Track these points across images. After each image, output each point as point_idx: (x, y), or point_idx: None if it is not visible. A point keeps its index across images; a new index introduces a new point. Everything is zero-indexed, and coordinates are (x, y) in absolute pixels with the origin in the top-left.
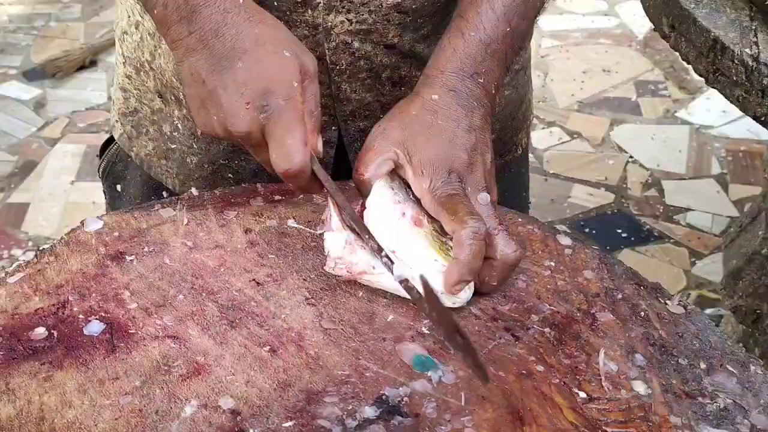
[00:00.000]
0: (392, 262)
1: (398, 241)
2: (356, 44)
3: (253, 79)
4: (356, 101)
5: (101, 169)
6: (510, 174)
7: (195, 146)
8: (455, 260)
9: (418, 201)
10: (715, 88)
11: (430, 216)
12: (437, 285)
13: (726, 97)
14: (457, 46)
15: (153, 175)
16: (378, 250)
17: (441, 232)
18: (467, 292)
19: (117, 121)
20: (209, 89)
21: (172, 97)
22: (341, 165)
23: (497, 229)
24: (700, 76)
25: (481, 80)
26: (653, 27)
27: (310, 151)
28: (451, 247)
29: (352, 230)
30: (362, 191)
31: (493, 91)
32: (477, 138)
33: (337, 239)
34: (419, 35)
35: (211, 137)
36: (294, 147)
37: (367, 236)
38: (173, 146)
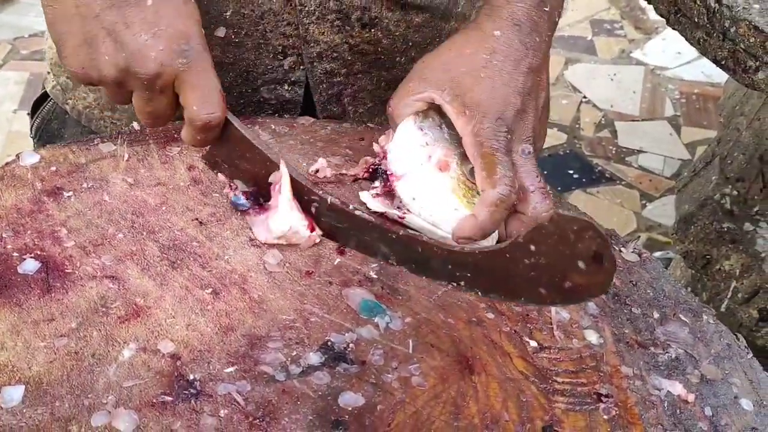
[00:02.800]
0: None
1: (418, 187)
2: None
3: (168, 20)
4: (324, 43)
5: (34, 128)
6: None
7: None
8: (472, 215)
9: (453, 141)
10: (675, 29)
11: (463, 159)
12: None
13: (686, 39)
14: None
15: (95, 129)
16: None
17: (471, 176)
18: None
19: (49, 72)
20: (104, 26)
21: None
22: (307, 105)
23: (533, 185)
24: (661, 16)
25: (547, 8)
26: None
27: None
28: (478, 195)
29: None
30: (392, 123)
31: (556, 19)
32: (534, 81)
33: (282, 221)
34: None
35: (85, 82)
36: (216, 95)
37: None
38: None
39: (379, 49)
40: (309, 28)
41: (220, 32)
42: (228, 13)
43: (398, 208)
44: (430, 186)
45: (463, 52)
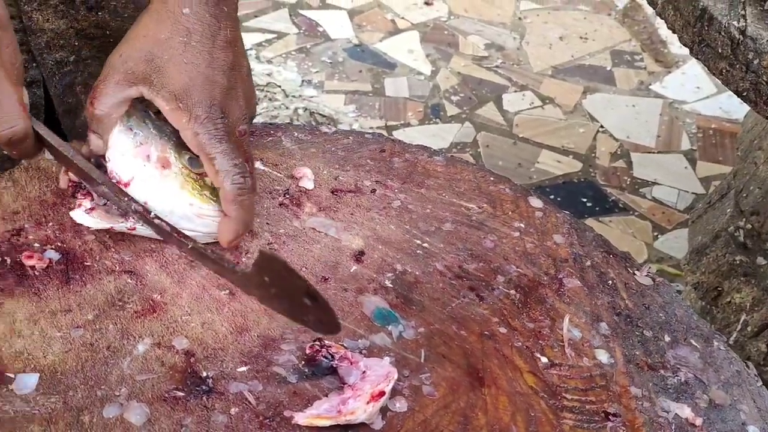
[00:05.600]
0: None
1: (148, 191)
2: None
3: None
4: (50, 31)
5: None
6: None
7: None
8: (226, 217)
9: (162, 133)
10: (698, 59)
11: (179, 150)
12: (198, 227)
13: (709, 69)
14: None
15: None
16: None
17: (193, 166)
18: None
19: None
20: None
21: None
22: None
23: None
24: (685, 46)
25: None
26: None
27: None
28: (206, 184)
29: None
30: (95, 127)
31: None
32: (234, 54)
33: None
34: None
35: None
36: (11, 111)
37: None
38: None
39: (108, 32)
40: (32, 16)
41: None
42: None
43: (126, 218)
44: (158, 187)
45: (158, 38)
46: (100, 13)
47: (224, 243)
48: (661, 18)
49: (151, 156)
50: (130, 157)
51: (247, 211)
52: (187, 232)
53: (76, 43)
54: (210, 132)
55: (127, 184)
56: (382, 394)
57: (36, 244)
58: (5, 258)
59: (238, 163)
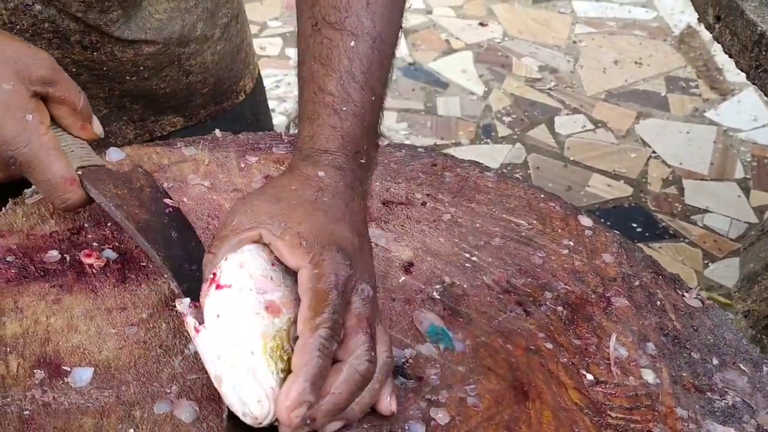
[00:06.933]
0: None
1: (232, 306)
2: (38, 7)
3: None
4: None
5: None
6: (228, 117)
7: None
8: (293, 374)
9: (287, 283)
10: (755, 84)
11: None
12: (237, 379)
13: (766, 94)
14: (334, 123)
15: None
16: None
17: (294, 341)
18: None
19: None
20: None
21: None
22: None
23: (361, 330)
24: (742, 71)
25: (363, 160)
26: (697, 18)
27: (78, 179)
28: (289, 357)
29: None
30: (205, 272)
31: (370, 175)
32: (365, 227)
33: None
34: (108, 18)
35: None
36: (60, 188)
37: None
38: None
39: (105, 69)
40: None
41: None
42: None
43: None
44: (244, 314)
45: (288, 187)
46: (95, 53)
47: (283, 409)
48: (718, 42)
49: (267, 294)
50: (247, 275)
51: (318, 370)
52: (217, 374)
53: (73, 69)
54: (331, 275)
55: (220, 286)
56: None
57: (95, 243)
58: (65, 255)
59: (335, 319)
